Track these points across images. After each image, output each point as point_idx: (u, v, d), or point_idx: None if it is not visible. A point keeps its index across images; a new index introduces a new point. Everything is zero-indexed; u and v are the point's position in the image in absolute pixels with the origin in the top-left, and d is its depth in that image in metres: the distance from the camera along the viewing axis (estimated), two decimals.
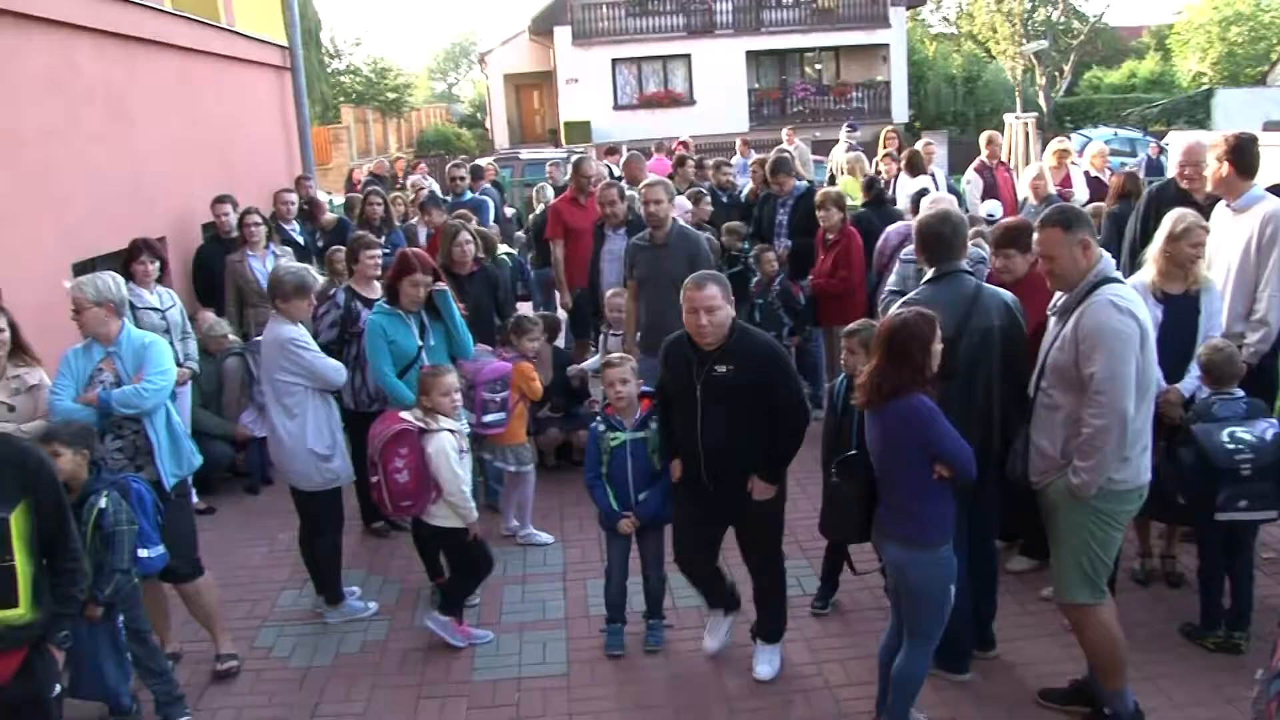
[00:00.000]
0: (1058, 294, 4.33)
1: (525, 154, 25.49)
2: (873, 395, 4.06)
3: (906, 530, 4.15)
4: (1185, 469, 4.85)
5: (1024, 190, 9.63)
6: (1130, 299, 4.14)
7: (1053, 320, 4.34)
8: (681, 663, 5.19)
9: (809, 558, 6.09)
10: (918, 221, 5.09)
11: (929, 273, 4.79)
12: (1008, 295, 4.74)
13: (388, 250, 7.32)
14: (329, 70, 37.60)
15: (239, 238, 8.47)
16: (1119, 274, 4.27)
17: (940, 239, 4.76)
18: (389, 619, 5.77)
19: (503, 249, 9.48)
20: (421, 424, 5.17)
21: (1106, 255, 4.28)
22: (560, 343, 8.43)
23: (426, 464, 5.14)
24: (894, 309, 4.24)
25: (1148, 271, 5.33)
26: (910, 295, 4.82)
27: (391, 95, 39.31)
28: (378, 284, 6.29)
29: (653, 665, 5.18)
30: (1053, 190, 9.43)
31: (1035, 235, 4.38)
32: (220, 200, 8.87)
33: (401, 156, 29.40)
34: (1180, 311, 5.27)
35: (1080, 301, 4.13)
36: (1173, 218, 5.29)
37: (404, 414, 5.26)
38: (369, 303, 6.19)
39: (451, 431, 5.21)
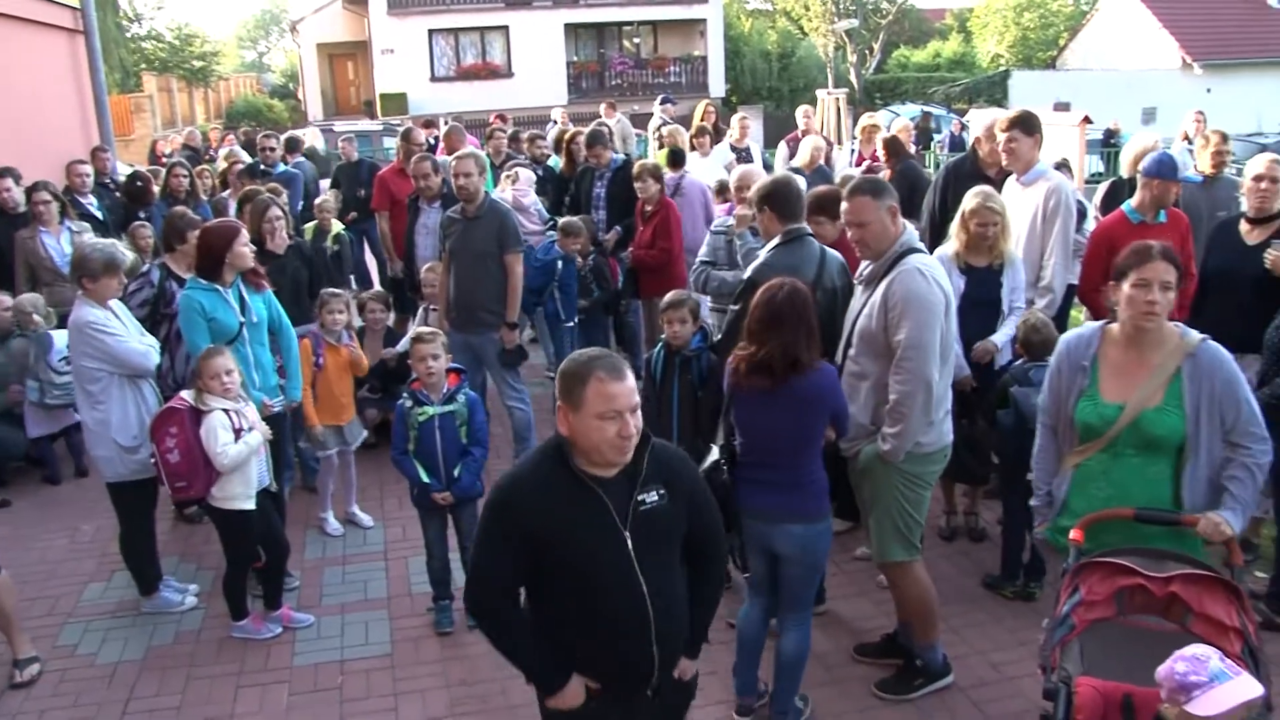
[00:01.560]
0: (864, 263, 4.45)
1: (340, 126, 24.79)
2: (783, 371, 3.94)
3: (808, 506, 4.10)
4: (1005, 430, 5.13)
5: (799, 161, 9.96)
6: (935, 268, 4.30)
7: (859, 289, 4.47)
8: None
9: None
10: (760, 187, 5.15)
11: (776, 237, 4.91)
12: (841, 257, 4.94)
13: None
14: (128, 35, 35.64)
15: (28, 213, 7.97)
16: (922, 245, 4.43)
17: (789, 200, 4.91)
18: (204, 607, 5.59)
19: (337, 226, 9.25)
20: (195, 404, 5.00)
21: (910, 226, 4.43)
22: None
23: (199, 444, 4.93)
24: (770, 283, 4.11)
25: (950, 245, 5.59)
26: (763, 257, 4.93)
27: (198, 64, 37.54)
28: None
29: (478, 641, 5.14)
30: (821, 162, 9.86)
31: (844, 204, 4.44)
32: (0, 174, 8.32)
33: (215, 127, 28.17)
34: (982, 283, 5.55)
35: (887, 270, 4.25)
36: (968, 197, 5.53)
37: (183, 393, 5.08)
38: (185, 282, 5.87)
39: (226, 411, 5.01)
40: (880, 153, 9.70)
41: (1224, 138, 7.13)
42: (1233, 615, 3.24)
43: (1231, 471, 3.59)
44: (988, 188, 5.73)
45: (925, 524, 5.46)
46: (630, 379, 2.86)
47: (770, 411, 4.02)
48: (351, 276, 10.86)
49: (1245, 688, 2.64)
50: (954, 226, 5.58)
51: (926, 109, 29.48)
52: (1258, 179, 5.56)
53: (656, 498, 2.95)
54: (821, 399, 4.04)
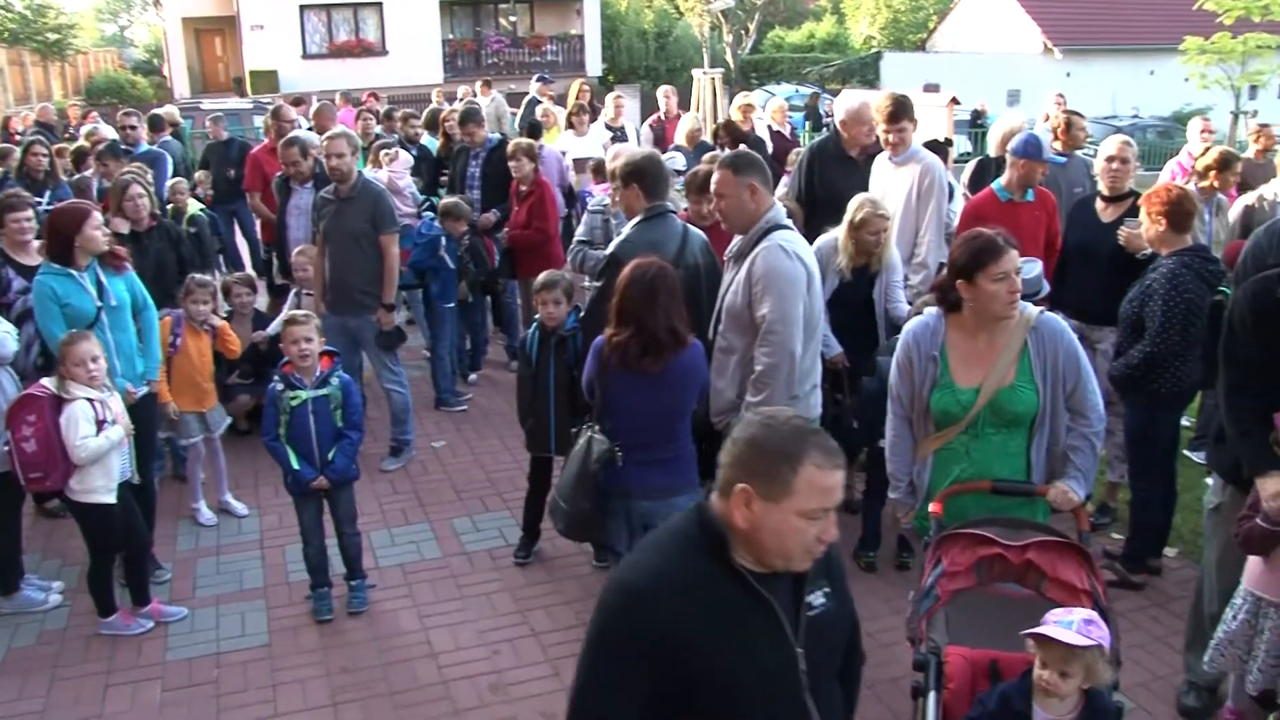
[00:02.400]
0: (735, 239, 4.49)
1: (208, 104, 24.00)
2: (672, 348, 3.96)
3: (690, 477, 4.20)
4: (866, 396, 5.25)
5: (679, 139, 10.06)
6: (798, 244, 4.36)
7: (728, 265, 4.51)
8: (388, 622, 5.15)
9: (510, 508, 6.19)
10: (627, 163, 5.12)
11: (638, 215, 4.92)
12: (704, 235, 4.99)
13: (49, 207, 6.70)
14: None
15: None
16: (789, 221, 4.47)
17: (653, 176, 4.92)
18: (69, 604, 5.38)
19: (195, 206, 8.95)
20: (57, 392, 4.80)
21: (778, 203, 4.48)
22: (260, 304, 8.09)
23: (58, 434, 4.72)
24: (636, 263, 4.11)
25: (840, 256, 5.61)
26: (625, 234, 4.93)
27: (52, 36, 35.82)
28: (35, 248, 5.69)
29: (358, 627, 5.11)
30: (706, 139, 9.98)
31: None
32: None
33: (75, 104, 26.93)
34: (862, 286, 5.65)
35: (753, 247, 4.31)
36: (852, 207, 5.57)
37: (45, 380, 4.87)
38: (25, 269, 5.53)
39: (90, 401, 4.81)
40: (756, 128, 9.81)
41: (1072, 120, 7.47)
42: (1084, 578, 3.38)
43: (1072, 442, 3.76)
44: (873, 196, 5.81)
45: None
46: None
47: (647, 391, 4.03)
48: (221, 258, 10.56)
49: (1070, 637, 2.90)
50: (841, 238, 5.61)
51: (813, 89, 29.94)
52: (1110, 160, 5.79)
53: (823, 599, 2.31)
54: (696, 374, 4.14)
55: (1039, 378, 3.67)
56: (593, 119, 11.02)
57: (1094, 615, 2.98)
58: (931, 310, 3.83)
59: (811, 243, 6.16)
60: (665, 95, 11.95)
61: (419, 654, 4.88)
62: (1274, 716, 4.19)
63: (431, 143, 10.68)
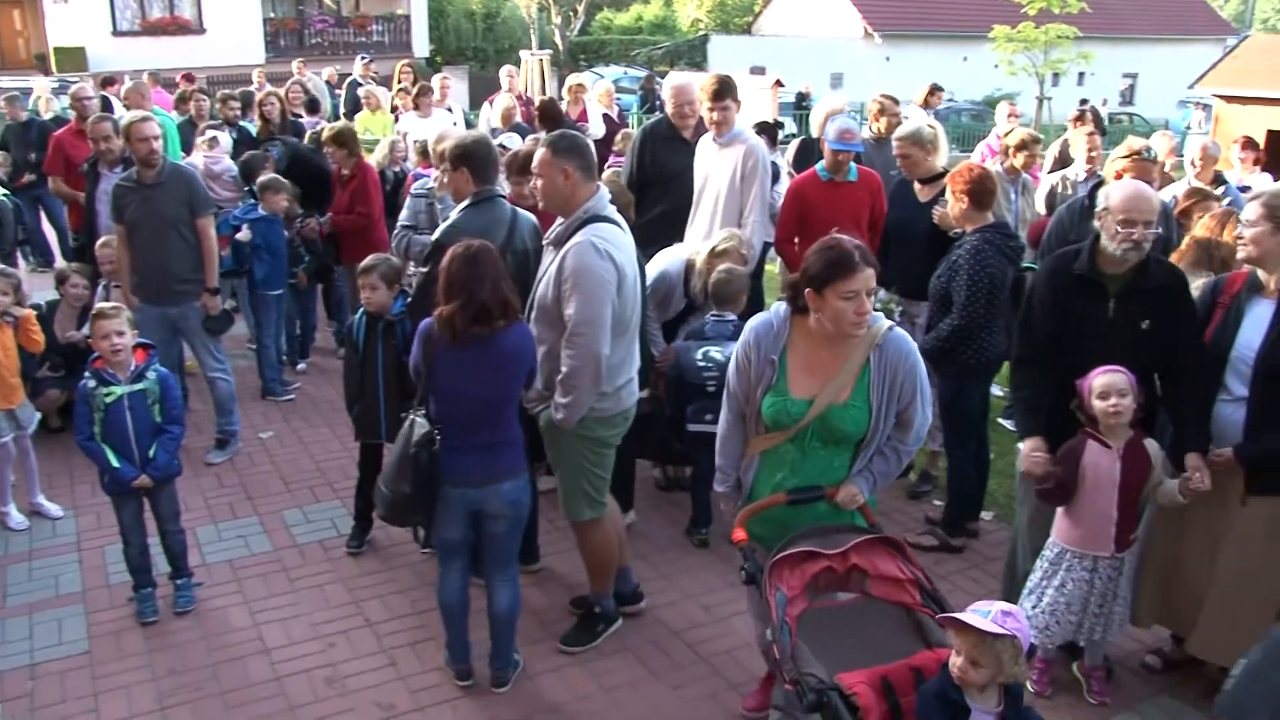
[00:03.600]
0: (557, 222, 4.39)
1: (5, 81, 22.56)
2: (494, 318, 3.93)
3: (515, 462, 4.16)
4: (668, 383, 5.36)
5: (495, 120, 10.06)
6: (612, 240, 4.21)
7: (547, 249, 4.40)
8: (217, 621, 4.98)
9: (341, 498, 6.08)
10: (456, 146, 5.05)
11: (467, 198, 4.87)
12: (532, 219, 4.96)
13: None
14: None
15: None
16: (611, 211, 4.38)
17: (482, 160, 4.86)
18: None
19: None
20: None
21: (603, 192, 4.38)
22: None
23: None
24: (456, 245, 4.05)
25: (696, 281, 5.70)
26: (452, 219, 4.86)
27: None
28: None
29: (186, 627, 4.93)
30: (519, 119, 10.03)
31: None
32: None
33: None
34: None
35: (570, 236, 4.21)
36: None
37: None
38: None
39: None
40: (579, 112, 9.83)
41: (884, 104, 7.81)
42: (903, 569, 3.36)
43: (878, 453, 3.64)
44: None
45: (648, 476, 5.72)
46: None
47: (475, 371, 3.99)
48: (28, 247, 9.99)
49: (986, 625, 2.82)
50: (700, 262, 5.69)
51: (642, 70, 30.10)
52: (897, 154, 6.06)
53: None
54: (524, 356, 4.10)
55: (874, 398, 3.50)
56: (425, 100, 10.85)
57: (1013, 609, 2.88)
58: (779, 308, 3.61)
59: (647, 233, 6.29)
60: (509, 74, 11.79)
61: (250, 651, 4.74)
62: (1076, 666, 4.49)
63: (252, 124, 10.31)
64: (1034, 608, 4.24)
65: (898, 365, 3.51)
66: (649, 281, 5.73)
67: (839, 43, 38.36)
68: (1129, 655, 4.71)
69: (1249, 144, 8.79)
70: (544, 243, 4.47)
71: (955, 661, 2.90)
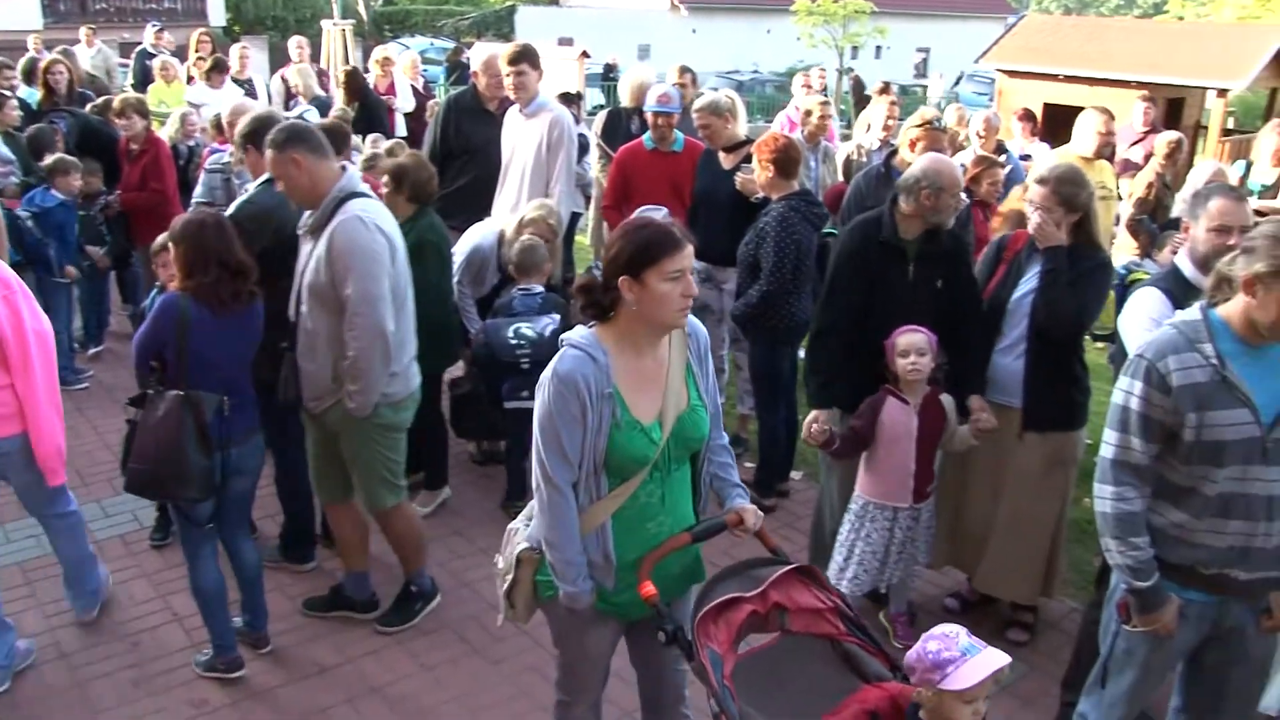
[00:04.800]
0: (306, 213, 4.20)
1: None
2: (249, 290, 3.97)
3: (255, 416, 4.17)
4: (480, 360, 5.34)
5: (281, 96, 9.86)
6: (377, 214, 4.12)
7: (303, 240, 4.23)
8: None
9: None
10: (248, 125, 4.82)
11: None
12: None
13: None
14: None
15: None
16: (364, 187, 4.24)
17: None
18: None
19: None
20: None
21: (352, 169, 4.23)
22: None
23: None
24: (189, 219, 4.02)
25: (506, 249, 5.66)
26: (248, 194, 4.68)
27: None
28: None
29: None
30: (319, 92, 9.92)
31: None
32: None
33: None
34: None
35: (328, 220, 4.05)
36: (533, 206, 5.80)
37: None
38: None
39: None
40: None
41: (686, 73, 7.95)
42: (820, 597, 2.95)
43: (720, 459, 3.22)
44: (549, 202, 5.98)
45: (462, 450, 5.67)
46: None
47: (234, 337, 4.02)
48: None
49: (994, 658, 2.53)
50: (510, 232, 5.70)
51: (449, 41, 29.59)
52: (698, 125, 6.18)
53: None
54: (259, 316, 4.14)
55: (703, 390, 3.08)
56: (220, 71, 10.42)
57: (955, 630, 2.60)
58: (582, 334, 2.94)
59: (452, 204, 6.22)
60: (299, 46, 11.43)
61: (48, 657, 4.47)
62: (882, 614, 4.71)
63: (31, 94, 9.65)
64: (845, 560, 4.44)
65: (702, 348, 3.13)
66: (463, 256, 5.69)
67: (646, 15, 38.65)
68: (930, 600, 4.97)
69: (1027, 115, 9.32)
70: (299, 232, 4.24)
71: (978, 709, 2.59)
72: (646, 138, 6.49)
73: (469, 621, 4.74)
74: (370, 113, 9.60)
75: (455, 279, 5.59)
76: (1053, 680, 4.29)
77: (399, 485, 4.50)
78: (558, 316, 5.43)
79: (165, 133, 8.16)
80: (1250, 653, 3.18)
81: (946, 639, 2.57)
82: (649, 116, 6.42)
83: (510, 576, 3.12)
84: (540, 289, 5.48)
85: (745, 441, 6.42)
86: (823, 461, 4.88)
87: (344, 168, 4.20)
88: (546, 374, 2.89)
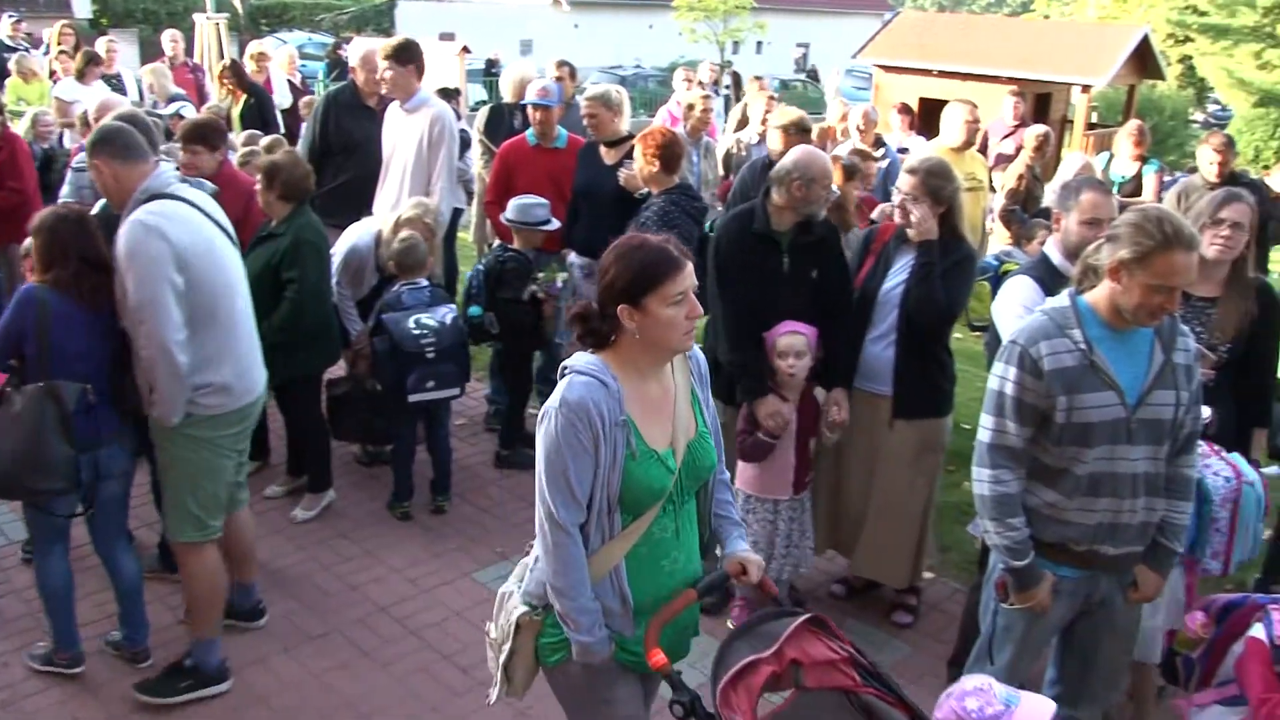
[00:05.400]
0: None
1: None
2: (100, 290, 3.85)
3: (120, 416, 4.02)
4: (379, 357, 5.27)
5: (148, 95, 9.62)
6: (168, 215, 3.81)
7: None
8: None
9: (8, 503, 5.51)
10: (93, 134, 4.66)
11: None
12: (208, 187, 4.68)
13: None
14: None
15: None
16: (179, 188, 3.99)
17: (124, 140, 4.49)
18: None
19: None
20: None
21: (165, 168, 4.05)
22: None
23: None
24: (46, 213, 3.95)
25: (384, 250, 5.59)
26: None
27: None
28: None
29: None
30: (175, 90, 9.65)
31: None
32: None
33: None
34: None
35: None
36: (410, 204, 5.71)
37: None
38: None
39: None
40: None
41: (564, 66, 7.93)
42: (833, 647, 2.73)
43: (721, 495, 3.00)
44: (426, 200, 5.88)
45: (347, 452, 5.55)
46: None
47: (93, 327, 3.89)
48: None
49: (1041, 704, 2.42)
50: (387, 234, 5.63)
51: (328, 37, 29.01)
52: (583, 115, 6.20)
53: None
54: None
55: (708, 417, 2.90)
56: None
57: (987, 679, 2.49)
58: (588, 360, 2.70)
59: (332, 203, 6.11)
60: (173, 39, 11.12)
61: None
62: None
63: None
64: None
65: (705, 370, 2.92)
66: (340, 257, 5.60)
67: (528, 10, 38.42)
68: (817, 586, 5.06)
69: (904, 109, 9.56)
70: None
71: None
72: (529, 133, 6.47)
73: (357, 626, 4.65)
74: (262, 106, 9.32)
75: (334, 280, 5.49)
76: (938, 659, 4.43)
77: (207, 523, 4.07)
78: (454, 306, 5.43)
79: (18, 131, 7.82)
80: (1118, 623, 3.33)
81: (983, 693, 2.44)
82: (529, 110, 6.39)
83: (508, 646, 2.82)
84: (426, 282, 5.45)
85: None
86: None
87: (158, 164, 3.99)
88: (551, 405, 2.63)
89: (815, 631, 2.74)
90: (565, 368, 2.70)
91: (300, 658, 4.45)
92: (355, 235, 5.71)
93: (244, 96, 9.33)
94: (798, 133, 6.06)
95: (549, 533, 2.65)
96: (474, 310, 5.79)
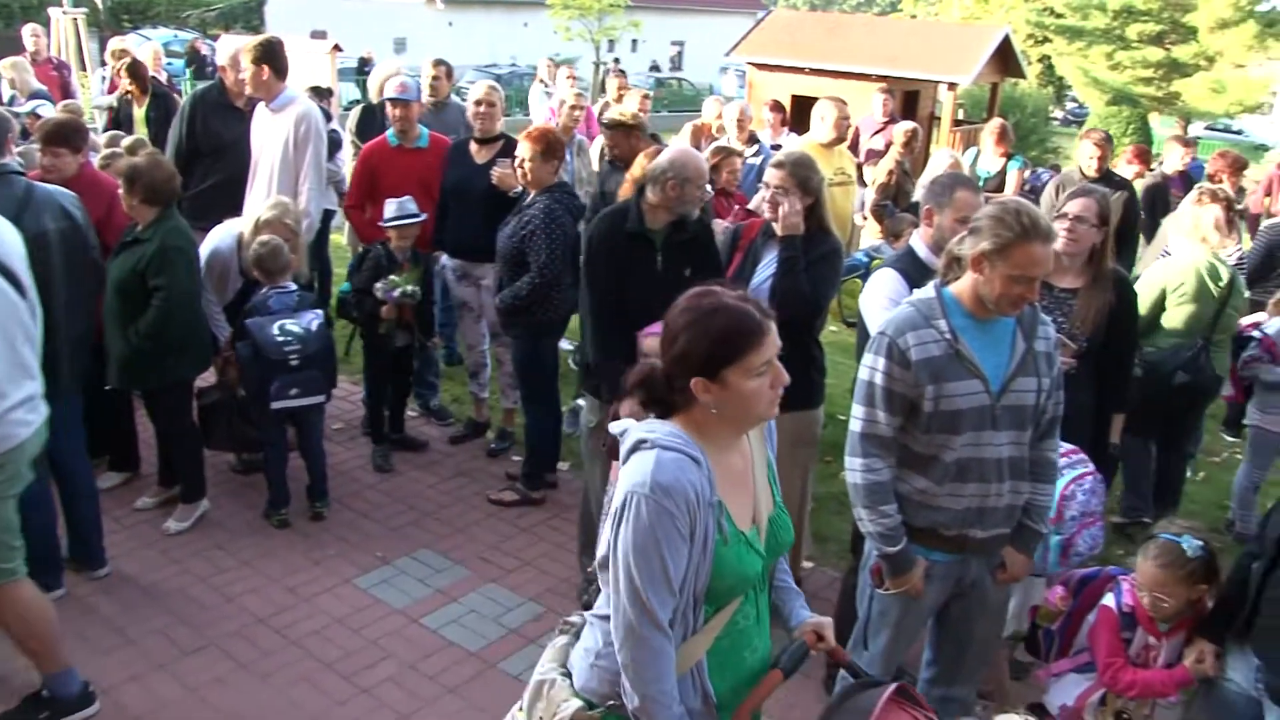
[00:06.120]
0: None
1: None
2: None
3: None
4: (243, 362, 5.17)
5: (7, 90, 9.28)
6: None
7: None
8: None
9: None
10: None
11: None
12: (68, 195, 4.52)
13: None
14: None
15: None
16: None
17: None
18: None
19: None
20: None
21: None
22: None
23: None
24: None
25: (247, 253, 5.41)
26: None
27: None
28: None
29: None
30: (37, 86, 9.41)
31: None
32: None
33: None
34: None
35: None
36: (269, 204, 5.55)
37: None
38: None
39: None
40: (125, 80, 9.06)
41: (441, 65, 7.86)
42: (918, 716, 2.53)
43: (780, 565, 2.75)
44: (285, 200, 5.71)
45: (221, 461, 5.40)
46: None
47: None
48: None
49: None
50: (247, 236, 5.47)
51: (193, 33, 28.16)
52: (478, 103, 6.15)
53: None
54: None
55: (779, 486, 2.62)
56: None
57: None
58: (667, 431, 2.33)
59: (200, 205, 5.95)
60: (35, 34, 10.72)
61: None
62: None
63: None
64: None
65: (774, 434, 2.64)
66: (202, 261, 5.46)
67: (402, 7, 37.87)
68: None
69: (777, 107, 9.72)
70: None
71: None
72: (390, 134, 6.40)
73: (233, 638, 4.54)
74: (166, 106, 8.85)
75: None
76: None
77: (9, 564, 3.70)
78: (320, 312, 5.34)
79: None
80: (989, 603, 3.45)
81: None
82: (388, 107, 6.32)
83: None
84: (294, 286, 5.36)
85: (511, 434, 6.43)
86: (585, 453, 4.95)
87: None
88: (639, 488, 2.24)
89: (901, 702, 2.51)
90: (642, 440, 2.32)
91: (177, 674, 4.31)
92: (217, 238, 5.58)
93: (147, 99, 8.84)
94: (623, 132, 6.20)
95: (645, 637, 2.26)
96: (344, 286, 5.89)
